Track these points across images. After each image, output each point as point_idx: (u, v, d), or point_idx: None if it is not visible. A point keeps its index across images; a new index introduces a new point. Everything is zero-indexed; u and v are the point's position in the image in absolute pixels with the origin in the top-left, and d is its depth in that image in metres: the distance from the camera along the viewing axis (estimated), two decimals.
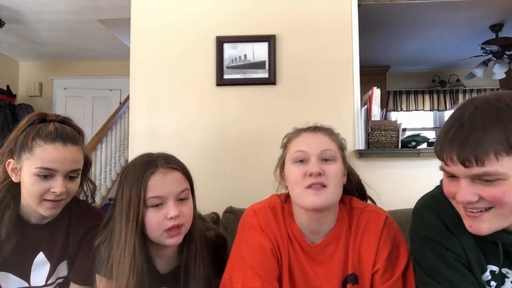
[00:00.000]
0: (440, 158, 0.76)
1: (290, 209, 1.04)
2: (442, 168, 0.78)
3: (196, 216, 1.10)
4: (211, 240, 1.13)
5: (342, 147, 1.03)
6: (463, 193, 0.73)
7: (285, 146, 1.05)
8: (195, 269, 1.04)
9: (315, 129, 1.02)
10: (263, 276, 0.95)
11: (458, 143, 0.71)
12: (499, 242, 0.82)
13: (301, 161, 0.97)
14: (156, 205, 0.98)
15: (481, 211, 0.75)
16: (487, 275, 0.84)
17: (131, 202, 0.97)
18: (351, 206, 1.04)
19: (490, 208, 0.74)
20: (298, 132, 1.03)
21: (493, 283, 0.84)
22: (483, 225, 0.75)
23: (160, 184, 0.98)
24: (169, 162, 1.02)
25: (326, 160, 0.96)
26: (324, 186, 0.93)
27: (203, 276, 1.05)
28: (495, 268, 0.84)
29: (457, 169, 0.73)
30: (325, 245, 1.00)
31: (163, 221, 0.97)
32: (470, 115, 0.72)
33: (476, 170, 0.70)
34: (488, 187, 0.71)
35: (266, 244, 0.99)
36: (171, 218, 0.97)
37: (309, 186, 0.93)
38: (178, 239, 1.00)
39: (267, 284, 0.94)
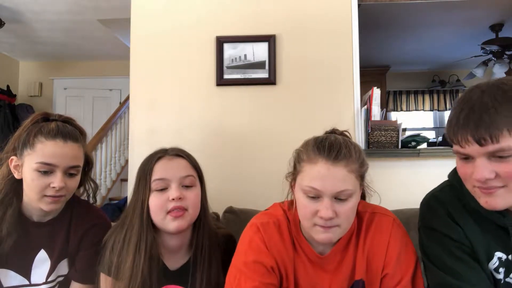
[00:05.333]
0: (454, 141, 0.78)
1: (296, 218, 0.98)
2: (456, 151, 0.80)
3: (207, 208, 1.12)
4: (221, 239, 1.14)
5: (361, 174, 0.92)
6: (481, 170, 0.76)
7: (297, 162, 0.94)
8: (203, 263, 1.05)
9: (335, 158, 0.87)
10: None
11: (472, 124, 0.74)
12: (509, 228, 0.84)
13: (313, 197, 0.88)
14: (161, 190, 1.02)
15: (496, 187, 0.77)
16: (494, 262, 0.86)
17: (139, 186, 1.03)
18: (359, 210, 1.00)
19: (503, 186, 0.76)
20: (315, 155, 0.89)
21: (501, 270, 0.86)
22: (498, 200, 0.78)
23: (165, 168, 1.03)
24: (176, 151, 1.08)
25: (340, 199, 0.87)
26: (334, 226, 0.89)
27: (212, 272, 1.05)
28: (502, 255, 0.86)
29: (473, 149, 0.75)
30: (334, 254, 0.97)
31: (166, 203, 1.01)
32: (479, 98, 0.75)
33: (491, 147, 0.73)
34: (503, 163, 0.74)
35: (266, 261, 0.95)
36: (172, 199, 1.00)
37: (319, 225, 0.89)
38: (181, 223, 1.01)
39: None
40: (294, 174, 0.96)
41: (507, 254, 0.85)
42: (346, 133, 1.03)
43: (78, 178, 1.10)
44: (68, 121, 1.13)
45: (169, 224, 1.01)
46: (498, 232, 0.85)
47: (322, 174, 0.87)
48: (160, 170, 1.03)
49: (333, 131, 1.02)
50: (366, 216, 1.00)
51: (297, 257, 0.98)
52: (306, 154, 0.92)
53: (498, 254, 0.86)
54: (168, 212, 1.01)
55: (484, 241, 0.86)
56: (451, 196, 0.91)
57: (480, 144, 0.74)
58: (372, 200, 1.07)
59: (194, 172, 1.07)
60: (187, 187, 1.04)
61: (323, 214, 0.86)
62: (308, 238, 0.98)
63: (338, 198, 0.87)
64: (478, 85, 0.79)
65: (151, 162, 1.04)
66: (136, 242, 1.00)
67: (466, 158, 0.79)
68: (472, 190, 0.82)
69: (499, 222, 0.84)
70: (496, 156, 0.74)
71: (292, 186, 0.99)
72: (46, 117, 1.11)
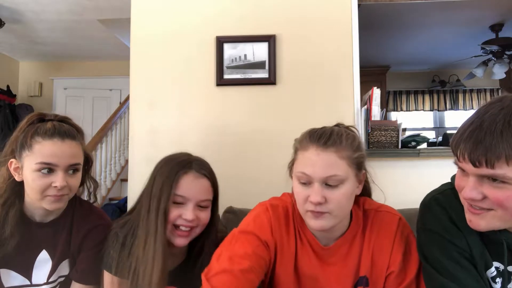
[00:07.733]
0: (454, 153, 0.77)
1: None
2: (455, 162, 0.79)
3: (217, 225, 1.13)
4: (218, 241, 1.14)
5: (356, 162, 0.92)
6: (469, 189, 0.75)
7: (295, 151, 0.98)
8: (200, 265, 1.05)
9: (325, 144, 0.90)
10: (252, 257, 0.92)
11: (472, 142, 0.71)
12: (504, 241, 0.83)
13: (304, 183, 0.91)
14: (178, 203, 1.03)
15: (482, 210, 0.76)
16: (492, 271, 0.86)
17: (162, 193, 1.02)
18: (365, 208, 1.02)
19: (491, 209, 0.75)
20: (307, 142, 0.93)
21: (498, 280, 0.86)
22: (481, 222, 0.77)
23: (189, 186, 1.04)
24: (203, 169, 1.08)
25: (330, 185, 0.89)
26: (325, 212, 0.90)
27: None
28: (500, 265, 0.85)
29: (468, 166, 0.74)
30: (338, 247, 0.98)
31: (177, 218, 1.02)
32: (493, 115, 0.71)
33: (485, 171, 0.71)
34: (494, 188, 0.73)
35: (264, 237, 0.96)
36: (185, 219, 1.02)
37: (310, 211, 0.91)
38: (185, 241, 1.04)
39: (256, 265, 0.92)
40: (292, 163, 0.99)
41: (504, 265, 0.85)
42: (352, 128, 1.03)
43: (79, 175, 1.10)
44: (64, 120, 1.12)
45: (173, 238, 1.04)
46: (495, 243, 0.85)
47: (312, 159, 0.90)
48: (184, 187, 1.02)
49: (337, 125, 1.03)
50: (372, 213, 1.01)
51: (302, 247, 0.99)
52: (300, 143, 0.96)
53: (496, 263, 0.86)
54: (175, 226, 1.03)
55: (483, 250, 0.85)
56: (453, 201, 0.89)
57: (474, 165, 0.72)
58: (378, 199, 1.08)
59: (211, 195, 1.08)
60: (201, 207, 1.05)
61: (312, 198, 0.88)
62: (311, 228, 0.98)
63: (328, 184, 0.88)
64: (504, 97, 0.74)
65: (178, 173, 1.03)
66: (161, 242, 1.00)
67: (464, 170, 0.78)
68: (462, 202, 0.82)
69: (492, 236, 0.84)
70: (490, 179, 0.72)
71: (291, 176, 1.00)
72: (42, 118, 1.10)
